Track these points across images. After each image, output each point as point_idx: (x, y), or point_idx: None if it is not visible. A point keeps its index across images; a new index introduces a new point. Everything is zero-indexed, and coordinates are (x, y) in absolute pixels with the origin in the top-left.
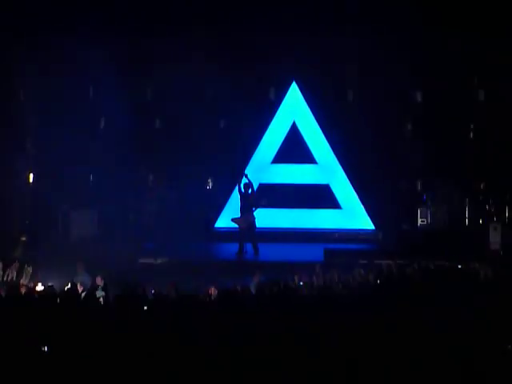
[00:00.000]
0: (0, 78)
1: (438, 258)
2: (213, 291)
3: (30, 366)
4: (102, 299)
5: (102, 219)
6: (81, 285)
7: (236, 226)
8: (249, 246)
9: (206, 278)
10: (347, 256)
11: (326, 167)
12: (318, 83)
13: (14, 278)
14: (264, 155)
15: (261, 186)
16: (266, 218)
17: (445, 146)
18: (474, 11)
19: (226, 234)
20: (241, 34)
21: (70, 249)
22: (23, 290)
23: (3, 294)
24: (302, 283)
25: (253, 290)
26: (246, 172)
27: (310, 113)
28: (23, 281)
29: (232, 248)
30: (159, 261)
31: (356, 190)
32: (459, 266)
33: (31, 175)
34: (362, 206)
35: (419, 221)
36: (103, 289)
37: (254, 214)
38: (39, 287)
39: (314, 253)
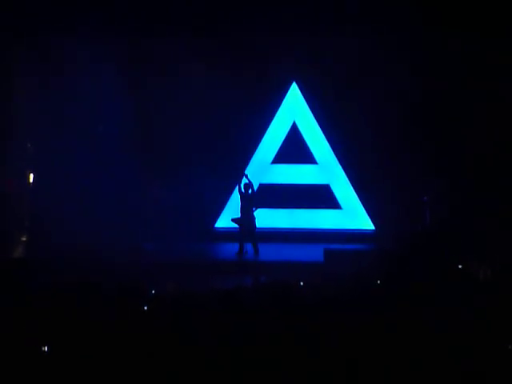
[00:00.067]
0: (0, 78)
1: (438, 258)
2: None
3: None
4: None
5: (102, 219)
6: None
7: (236, 226)
8: (249, 246)
9: (206, 278)
10: (347, 256)
11: (326, 167)
12: (318, 83)
13: None
14: (264, 155)
15: (261, 186)
16: (266, 218)
17: (445, 146)
18: (474, 11)
19: (226, 234)
20: (241, 34)
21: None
22: None
23: None
24: (302, 283)
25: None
26: (246, 172)
27: (311, 113)
28: None
29: (232, 248)
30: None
31: (356, 190)
32: (459, 266)
33: (31, 175)
34: (362, 206)
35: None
36: None
37: (254, 214)
38: None
39: (314, 253)
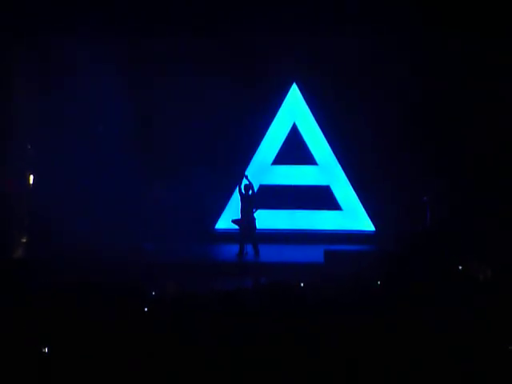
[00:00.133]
0: (0, 78)
1: (438, 258)
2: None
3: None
4: None
5: (102, 220)
6: None
7: (236, 227)
8: (249, 247)
9: (206, 279)
10: (348, 257)
11: (326, 168)
12: (319, 84)
13: None
14: (264, 156)
15: (261, 187)
16: (267, 219)
17: (445, 146)
18: (474, 11)
19: (227, 235)
20: (241, 35)
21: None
22: None
23: None
24: (302, 284)
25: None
26: (247, 173)
27: (311, 114)
28: None
29: (232, 249)
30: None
31: (356, 191)
32: (460, 267)
33: (31, 175)
34: (362, 207)
35: (419, 221)
36: None
37: (255, 215)
38: None
39: (314, 254)
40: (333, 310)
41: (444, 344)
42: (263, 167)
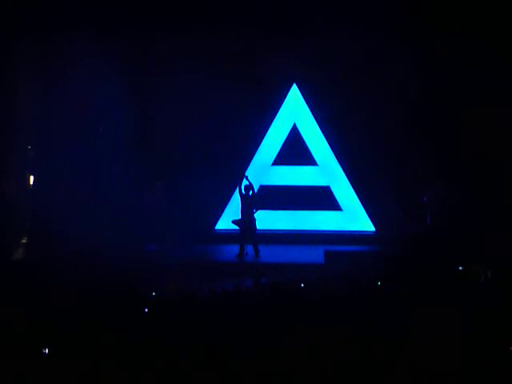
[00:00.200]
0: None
1: (438, 258)
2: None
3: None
4: None
5: (103, 221)
6: None
7: (237, 227)
8: (249, 248)
9: (206, 279)
10: (348, 258)
11: (326, 169)
12: (319, 85)
13: None
14: (265, 157)
15: (261, 187)
16: (267, 219)
17: (445, 147)
18: (474, 11)
19: (227, 235)
20: (241, 36)
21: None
22: None
23: None
24: (302, 285)
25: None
26: (247, 174)
27: (311, 114)
28: None
29: (233, 250)
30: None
31: (356, 192)
32: (460, 268)
33: (31, 177)
34: (362, 207)
35: (419, 222)
36: None
37: (255, 215)
38: None
39: (314, 254)
40: (333, 310)
41: (444, 344)
42: (263, 168)
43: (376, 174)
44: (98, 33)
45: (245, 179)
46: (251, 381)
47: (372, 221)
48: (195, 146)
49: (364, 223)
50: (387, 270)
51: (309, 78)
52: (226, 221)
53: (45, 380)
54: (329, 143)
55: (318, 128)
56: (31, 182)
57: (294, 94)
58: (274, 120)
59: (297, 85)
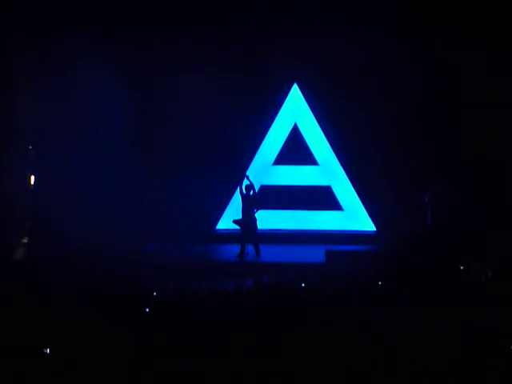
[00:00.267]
0: (0, 78)
1: (439, 258)
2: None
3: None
4: None
5: (104, 221)
6: None
7: (237, 227)
8: (250, 248)
9: (207, 279)
10: (348, 257)
11: (327, 169)
12: (319, 84)
13: None
14: (265, 157)
15: (262, 187)
16: (268, 219)
17: (446, 146)
18: (474, 11)
19: (228, 235)
20: (241, 36)
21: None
22: None
23: None
24: (303, 284)
25: None
26: (248, 173)
27: (312, 114)
28: None
29: (233, 249)
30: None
31: (357, 192)
32: (461, 267)
33: (32, 176)
34: (363, 207)
35: (420, 222)
36: None
37: (256, 215)
38: None
39: (315, 254)
40: (334, 310)
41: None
42: (264, 167)
43: (377, 173)
44: (98, 33)
45: (245, 179)
46: (251, 381)
47: (373, 220)
48: (196, 145)
49: (365, 223)
50: (388, 270)
51: (309, 77)
52: (227, 220)
53: (45, 380)
54: (329, 143)
55: (319, 128)
56: (32, 182)
57: (295, 94)
58: (275, 120)
59: (297, 84)
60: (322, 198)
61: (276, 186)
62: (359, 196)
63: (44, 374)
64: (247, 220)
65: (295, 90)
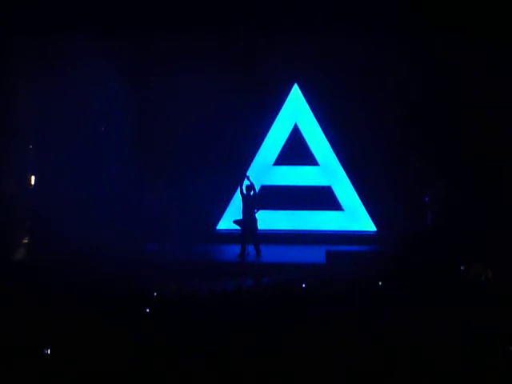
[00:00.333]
0: (0, 78)
1: (439, 258)
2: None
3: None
4: None
5: (104, 221)
6: None
7: (238, 227)
8: (251, 248)
9: (207, 279)
10: (349, 258)
11: (327, 169)
12: (320, 85)
13: None
14: (266, 157)
15: (263, 187)
16: (268, 219)
17: (446, 146)
18: (474, 11)
19: (228, 235)
20: (242, 36)
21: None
22: None
23: None
24: (304, 285)
25: None
26: (248, 174)
27: (312, 114)
28: None
29: (234, 250)
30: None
31: (358, 192)
32: (461, 267)
33: (32, 176)
34: (363, 207)
35: (421, 222)
36: None
37: (256, 215)
38: None
39: (315, 254)
40: (334, 310)
41: (444, 344)
42: (265, 168)
43: (377, 173)
44: (98, 33)
45: (246, 179)
46: (251, 381)
47: (373, 221)
48: (196, 145)
49: (365, 223)
50: (388, 270)
51: (310, 77)
52: (228, 221)
53: (45, 380)
54: (330, 143)
55: (319, 128)
56: (32, 182)
57: (295, 94)
58: (275, 120)
59: (298, 85)
60: (323, 199)
61: (276, 186)
62: (359, 196)
63: (44, 374)
64: (248, 220)
65: (296, 90)
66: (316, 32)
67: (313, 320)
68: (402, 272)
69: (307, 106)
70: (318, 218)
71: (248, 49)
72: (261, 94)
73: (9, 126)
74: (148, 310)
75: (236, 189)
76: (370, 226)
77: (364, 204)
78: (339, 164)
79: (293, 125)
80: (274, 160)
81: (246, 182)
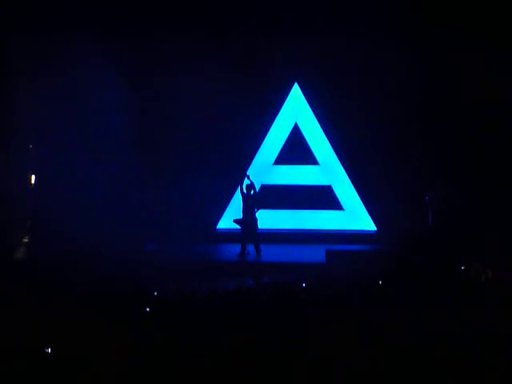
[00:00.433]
0: (0, 78)
1: (439, 258)
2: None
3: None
4: None
5: (104, 221)
6: None
7: (238, 227)
8: (251, 248)
9: (207, 279)
10: (349, 257)
11: (327, 168)
12: (320, 84)
13: None
14: (266, 156)
15: (263, 186)
16: (268, 219)
17: (446, 146)
18: (474, 11)
19: (228, 235)
20: (242, 36)
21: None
22: None
23: None
24: (304, 284)
25: None
26: (248, 173)
27: (312, 114)
28: None
29: (234, 249)
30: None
31: (358, 191)
32: (462, 267)
33: (32, 176)
34: (363, 207)
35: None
36: None
37: (256, 214)
38: None
39: (315, 254)
40: (334, 310)
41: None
42: (265, 167)
43: (377, 173)
44: (98, 33)
45: (246, 178)
46: (251, 381)
47: (373, 220)
48: (196, 145)
49: (365, 223)
50: (388, 270)
51: (310, 77)
52: (228, 220)
53: (45, 380)
54: (330, 142)
55: (320, 127)
56: (32, 182)
57: (296, 94)
58: (276, 119)
59: (298, 84)
60: (323, 198)
61: (277, 185)
62: (360, 196)
63: (44, 374)
64: (248, 220)
65: (296, 89)
66: (316, 32)
67: (312, 320)
68: (402, 272)
69: (307, 105)
70: (318, 218)
71: (248, 49)
72: (261, 94)
73: (9, 125)
74: (148, 310)
75: (236, 188)
76: (370, 226)
77: (364, 203)
78: (339, 163)
79: (293, 124)
80: (274, 159)
81: (246, 182)
